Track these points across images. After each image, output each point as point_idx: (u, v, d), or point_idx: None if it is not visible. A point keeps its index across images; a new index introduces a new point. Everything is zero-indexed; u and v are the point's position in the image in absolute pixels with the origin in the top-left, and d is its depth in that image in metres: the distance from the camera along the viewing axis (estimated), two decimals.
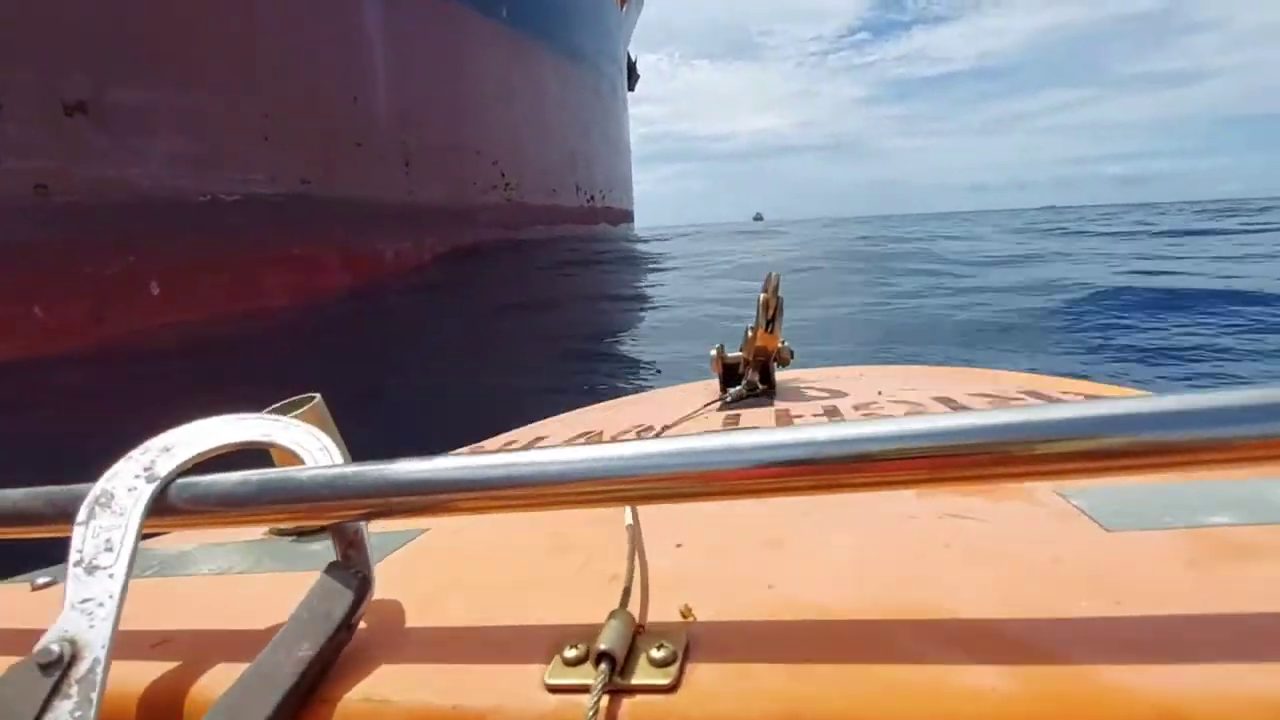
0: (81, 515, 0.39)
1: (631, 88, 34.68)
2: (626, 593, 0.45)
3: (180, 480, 0.42)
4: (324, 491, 0.41)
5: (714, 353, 1.34)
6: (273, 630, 0.40)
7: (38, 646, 0.34)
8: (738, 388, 1.31)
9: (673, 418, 1.15)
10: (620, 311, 11.79)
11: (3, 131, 6.57)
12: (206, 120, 8.57)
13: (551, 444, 0.51)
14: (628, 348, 9.43)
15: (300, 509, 0.42)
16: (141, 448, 0.44)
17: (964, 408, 1.05)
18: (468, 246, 14.35)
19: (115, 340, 7.33)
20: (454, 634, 0.44)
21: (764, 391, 1.32)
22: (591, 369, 7.65)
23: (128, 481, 0.41)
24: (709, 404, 1.27)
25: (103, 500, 0.39)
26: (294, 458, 0.46)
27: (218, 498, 0.41)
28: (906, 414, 0.95)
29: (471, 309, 10.80)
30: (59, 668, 0.32)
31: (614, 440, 0.49)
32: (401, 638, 0.45)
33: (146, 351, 7.25)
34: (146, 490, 0.40)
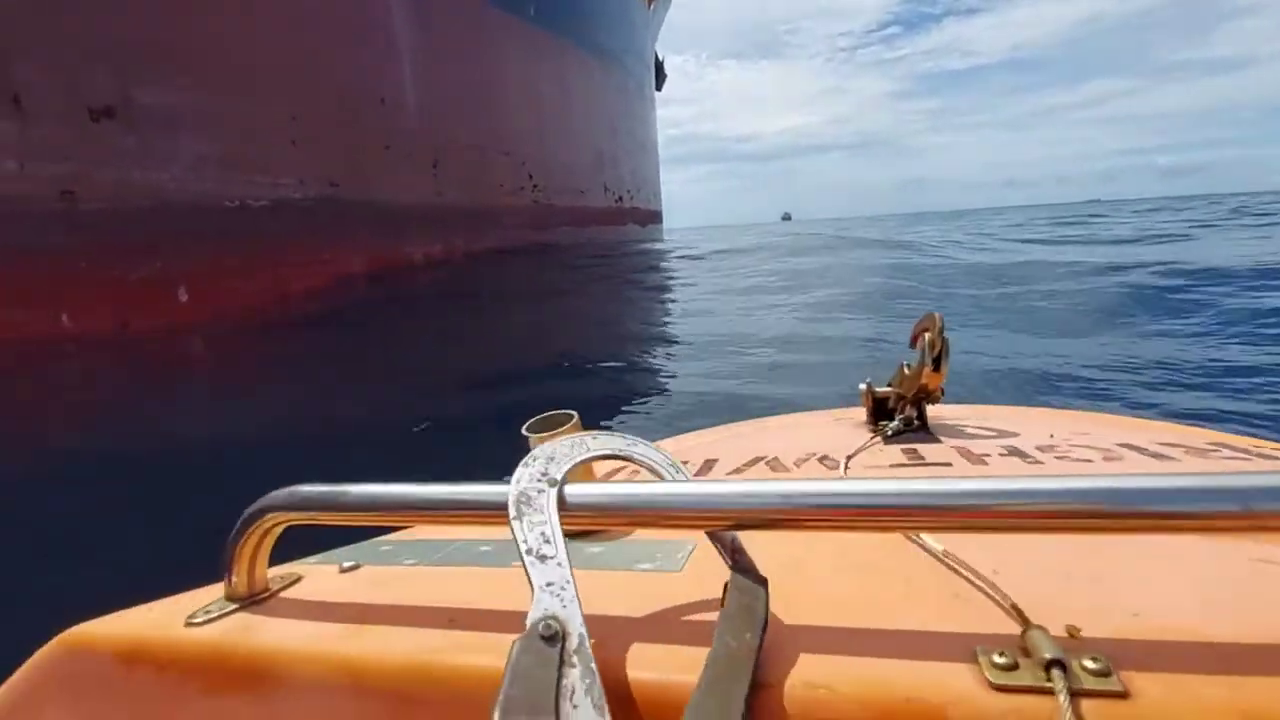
0: (513, 512, 0.45)
1: (659, 87, 34.32)
2: (1017, 610, 0.47)
3: (570, 485, 0.48)
4: (694, 503, 0.47)
5: (864, 387, 1.38)
6: (613, 617, 0.48)
7: (532, 620, 0.39)
8: (894, 423, 1.28)
9: (841, 447, 1.16)
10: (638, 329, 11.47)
11: (28, 135, 6.47)
12: (233, 123, 8.44)
13: (727, 465, 0.66)
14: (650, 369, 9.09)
15: (676, 516, 0.47)
16: (531, 455, 0.50)
17: (1166, 457, 0.98)
18: (494, 249, 14.13)
19: (142, 341, 7.22)
20: (854, 633, 0.47)
21: (919, 428, 1.29)
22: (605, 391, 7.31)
23: (534, 485, 0.47)
24: (873, 438, 1.26)
25: (524, 500, 0.46)
26: (652, 472, 0.56)
27: (606, 503, 0.47)
28: (1105, 460, 0.97)
29: (492, 310, 10.57)
30: (558, 641, 0.37)
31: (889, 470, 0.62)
32: (806, 633, 0.47)
33: (175, 355, 7.13)
34: (551, 493, 0.47)
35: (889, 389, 1.34)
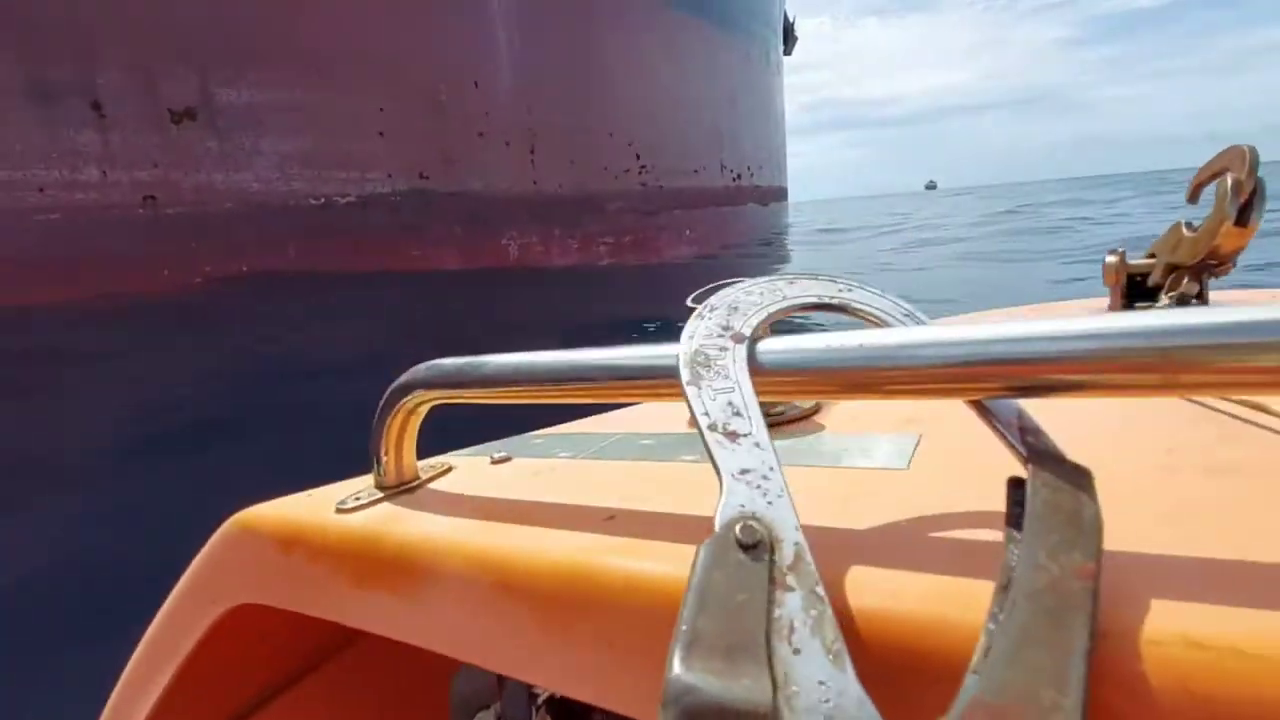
0: (686, 375, 0.34)
1: (788, 52, 31.69)
2: None
3: (763, 342, 0.36)
4: (957, 355, 0.30)
5: (1113, 259, 0.95)
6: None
7: (724, 521, 0.27)
8: (1161, 302, 0.85)
9: None
10: None
11: (108, 141, 6.41)
12: (318, 118, 8.14)
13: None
14: None
15: (926, 376, 0.31)
16: (706, 305, 0.39)
17: None
18: (593, 234, 13.28)
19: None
20: (1241, 567, 0.29)
21: None
22: None
23: (712, 341, 0.36)
24: None
25: (700, 361, 0.34)
26: (875, 321, 0.40)
27: (815, 360, 0.33)
28: None
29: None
30: (763, 553, 0.26)
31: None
32: (1157, 563, 0.30)
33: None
34: (738, 350, 0.35)
35: (1148, 259, 0.95)
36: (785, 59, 31.55)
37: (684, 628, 0.24)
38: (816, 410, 0.53)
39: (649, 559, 0.34)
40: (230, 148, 7.31)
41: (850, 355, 0.33)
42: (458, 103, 9.98)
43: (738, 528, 0.27)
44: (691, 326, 0.37)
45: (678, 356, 0.35)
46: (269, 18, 7.55)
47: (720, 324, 0.37)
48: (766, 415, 0.35)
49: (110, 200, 6.39)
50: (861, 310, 0.41)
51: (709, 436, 0.31)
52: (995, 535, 0.31)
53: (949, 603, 0.28)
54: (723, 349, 0.35)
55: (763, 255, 17.56)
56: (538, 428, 0.68)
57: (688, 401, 0.33)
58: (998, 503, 0.30)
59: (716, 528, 0.27)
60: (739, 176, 20.62)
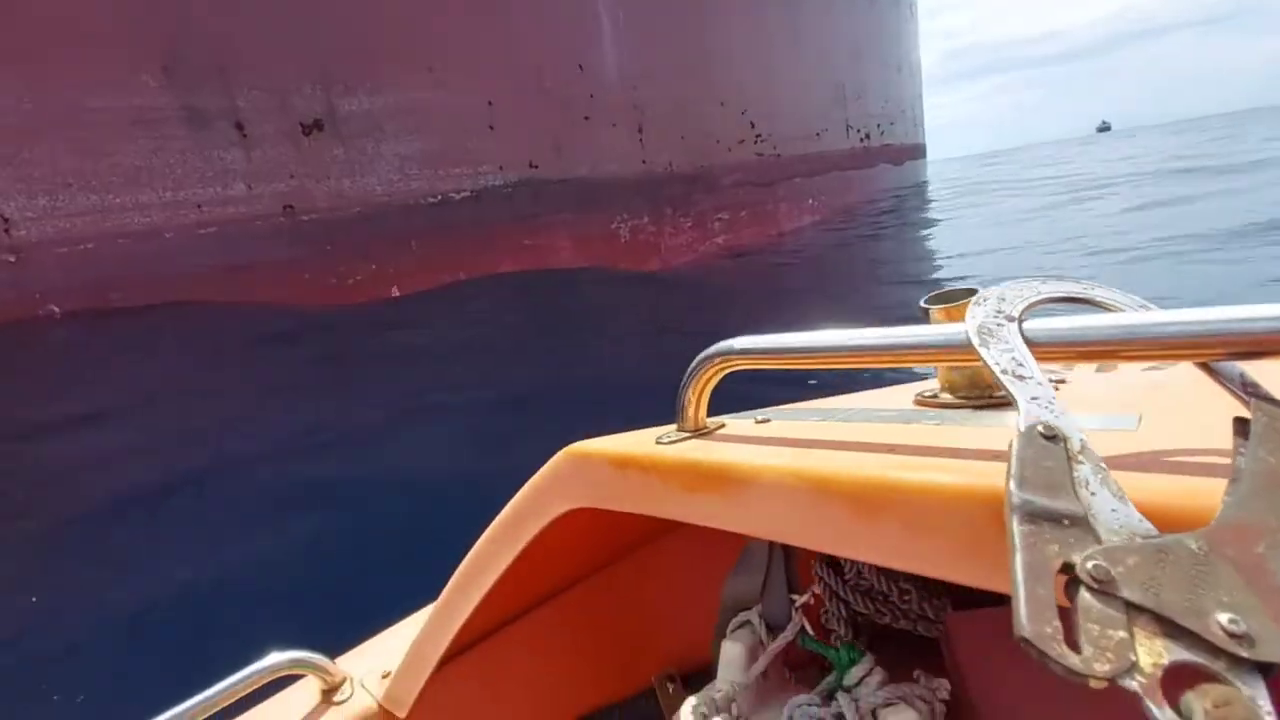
0: (976, 340, 0.43)
1: None
2: None
3: (1031, 321, 0.45)
4: (1191, 329, 0.39)
5: None
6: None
7: (1026, 425, 0.37)
8: None
9: None
10: None
11: (252, 158, 7.02)
12: (430, 119, 8.44)
13: None
14: None
15: (1160, 344, 0.40)
16: (980, 296, 0.47)
17: None
18: (709, 210, 12.79)
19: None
20: None
21: None
22: None
23: (991, 320, 0.45)
24: None
25: (985, 332, 0.43)
26: (1116, 309, 0.49)
27: (1078, 336, 0.43)
28: None
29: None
30: (1059, 441, 0.36)
31: None
32: None
33: None
34: (1012, 326, 0.44)
35: None
36: (918, 1, 28.76)
37: (1013, 476, 0.33)
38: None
39: (949, 473, 0.42)
40: (355, 154, 7.77)
41: (1105, 330, 0.41)
42: (562, 89, 9.95)
43: (1039, 426, 0.36)
44: (972, 311, 0.45)
45: (964, 331, 0.44)
46: (378, 26, 7.89)
47: (994, 309, 0.45)
48: (989, 397, 0.53)
49: (255, 212, 7.03)
50: (1104, 302, 0.50)
51: (1003, 378, 0.40)
52: (1224, 461, 0.37)
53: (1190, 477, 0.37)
54: (999, 325, 0.44)
55: (880, 227, 16.01)
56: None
57: (982, 357, 0.42)
58: (1223, 455, 0.37)
59: (1022, 428, 0.36)
60: (867, 136, 19.03)
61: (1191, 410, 0.48)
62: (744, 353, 0.59)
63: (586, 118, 10.41)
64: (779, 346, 0.57)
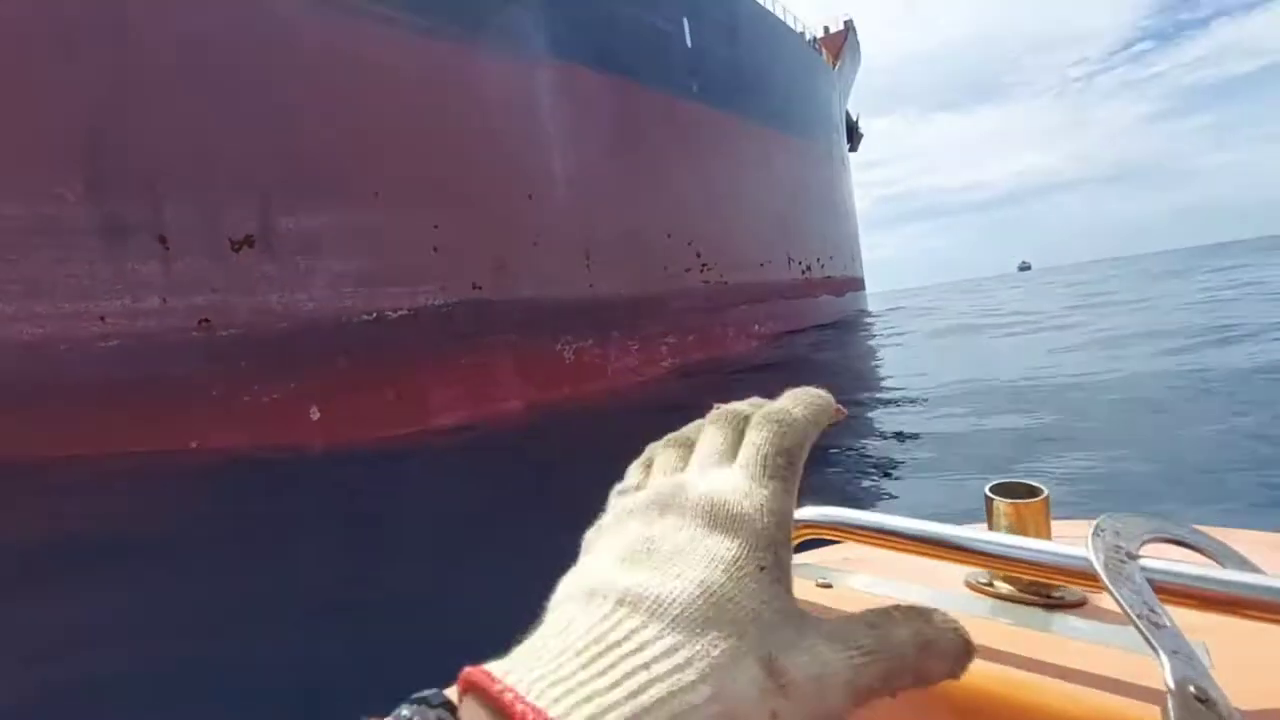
0: (1107, 578, 0.43)
1: (854, 147, 32.07)
2: None
3: (1149, 561, 0.45)
4: None
5: None
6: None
7: (1177, 681, 0.36)
8: None
9: None
10: None
11: (169, 270, 6.72)
12: (373, 237, 8.40)
13: None
14: None
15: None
16: (1098, 526, 0.47)
17: None
18: (657, 334, 12.91)
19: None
20: None
21: None
22: None
23: (1114, 555, 0.45)
24: None
25: (1111, 565, 0.43)
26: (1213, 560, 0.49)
27: (1200, 586, 0.42)
28: None
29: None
30: (1213, 705, 0.35)
31: None
32: None
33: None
34: (1134, 565, 0.44)
35: None
36: (852, 155, 31.88)
37: None
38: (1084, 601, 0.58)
39: (1067, 701, 0.42)
40: (286, 270, 7.56)
41: (1233, 584, 0.41)
42: (511, 215, 10.19)
43: (1190, 687, 0.35)
44: (1094, 542, 0.45)
45: (1087, 559, 0.44)
46: (325, 148, 8.01)
47: (1113, 543, 0.45)
48: (1049, 596, 0.52)
49: (167, 325, 6.61)
50: (1205, 549, 0.50)
51: (1139, 623, 0.40)
52: None
53: None
54: (1122, 561, 0.44)
55: (827, 339, 16.50)
56: None
57: (1114, 596, 0.42)
58: None
59: (1171, 686, 0.36)
60: (809, 268, 20.12)
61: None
62: (828, 524, 0.55)
63: (535, 243, 10.61)
64: (870, 524, 0.54)
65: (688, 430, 0.39)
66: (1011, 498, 0.55)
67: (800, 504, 0.45)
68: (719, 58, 15.67)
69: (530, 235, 10.50)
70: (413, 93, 8.96)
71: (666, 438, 0.39)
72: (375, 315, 8.39)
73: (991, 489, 0.55)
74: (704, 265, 14.71)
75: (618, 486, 0.37)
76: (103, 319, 6.27)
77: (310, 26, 7.93)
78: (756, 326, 16.57)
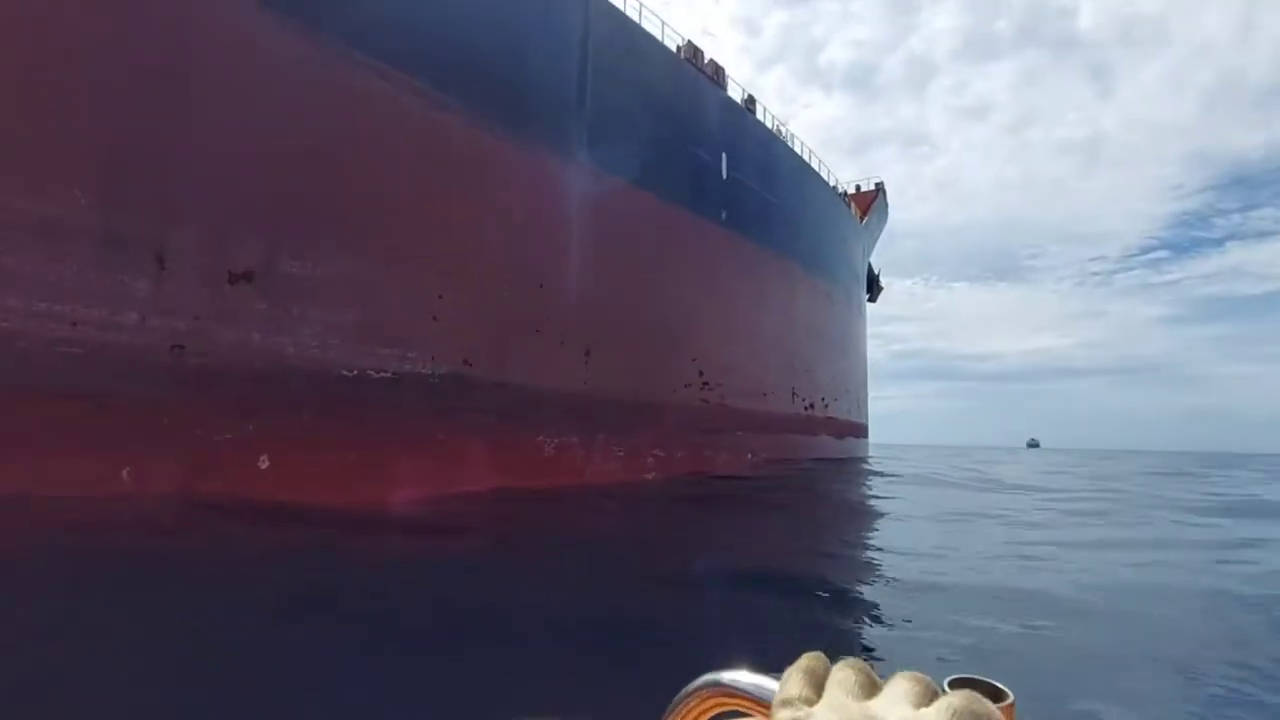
0: None
1: (873, 298, 32.93)
2: None
3: None
4: None
5: None
6: None
7: None
8: None
9: None
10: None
11: (158, 291, 6.61)
12: (376, 295, 8.36)
13: None
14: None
15: None
16: None
17: None
18: (646, 444, 12.49)
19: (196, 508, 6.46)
20: None
21: None
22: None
23: None
24: None
25: None
26: None
27: None
28: None
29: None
30: None
31: None
32: None
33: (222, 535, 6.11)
34: None
35: None
36: (871, 305, 32.67)
37: None
38: None
39: None
40: (277, 311, 7.44)
41: None
42: (517, 299, 10.20)
43: None
44: None
45: None
46: (351, 202, 8.15)
47: None
48: None
49: (136, 343, 6.40)
50: None
51: None
52: None
53: None
54: None
55: (817, 471, 15.86)
56: None
57: None
58: None
59: None
60: (810, 406, 19.89)
61: None
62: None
63: (538, 330, 10.54)
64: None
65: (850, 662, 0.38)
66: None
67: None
68: (751, 193, 16.41)
69: (533, 322, 10.46)
70: (448, 170, 9.27)
71: (829, 655, 0.39)
72: (356, 373, 8.16)
73: (950, 683, 0.45)
74: (705, 384, 14.55)
75: (779, 695, 0.35)
76: (73, 324, 6.08)
77: (370, 99, 8.35)
78: (749, 455, 16.11)
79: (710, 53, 15.78)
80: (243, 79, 7.27)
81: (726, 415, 15.18)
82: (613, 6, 12.61)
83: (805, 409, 19.57)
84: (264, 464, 7.23)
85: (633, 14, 13.19)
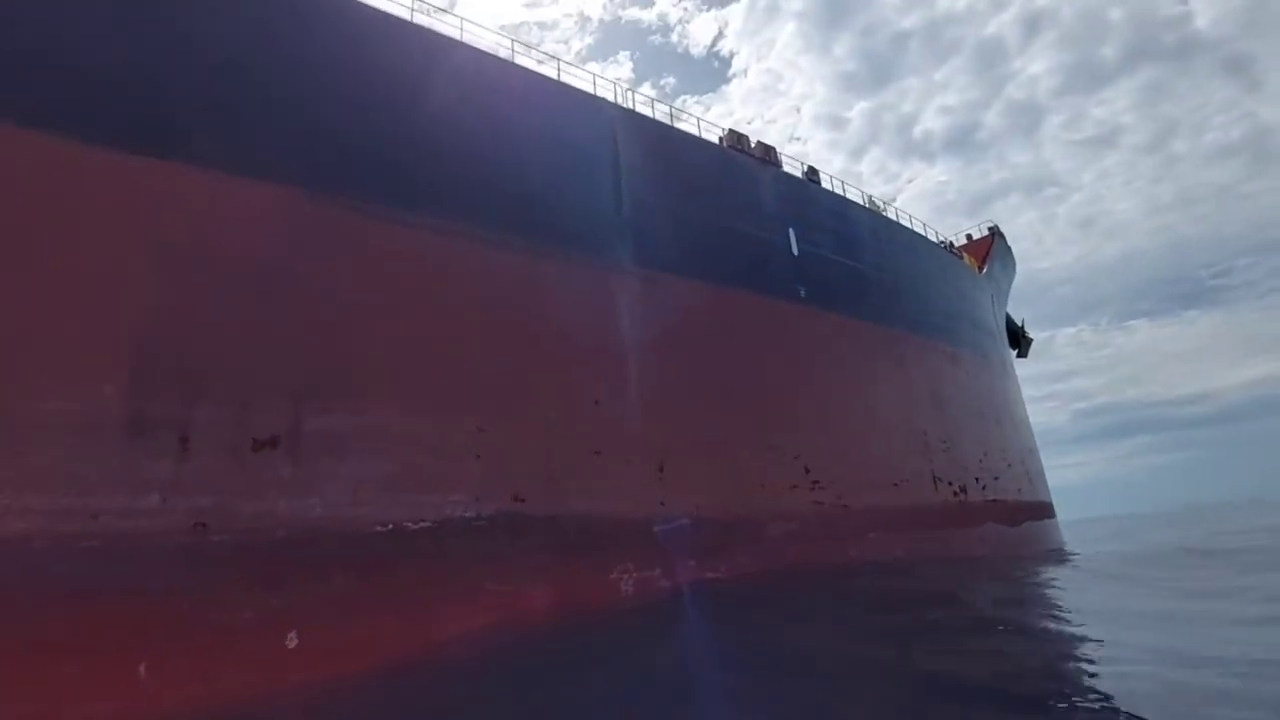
0: None
1: (1022, 354, 28.87)
2: None
3: None
4: None
5: None
6: None
7: None
8: None
9: None
10: None
11: (180, 470, 6.55)
12: (407, 443, 7.95)
13: None
14: None
15: None
16: None
17: None
18: (755, 573, 10.68)
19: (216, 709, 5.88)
20: None
21: None
22: None
23: None
24: None
25: None
26: None
27: None
28: None
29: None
30: None
31: None
32: None
33: None
34: None
35: None
36: (1022, 361, 28.61)
37: None
38: None
39: None
40: (304, 473, 7.17)
41: None
42: (569, 422, 9.42)
43: None
44: None
45: None
46: (373, 346, 8.00)
47: None
48: None
49: (157, 527, 6.27)
50: None
51: None
52: None
53: None
54: None
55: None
56: None
57: None
58: None
59: None
60: (962, 489, 16.75)
61: None
62: None
63: (597, 452, 9.61)
64: None
65: None
66: None
67: None
68: (831, 264, 15.03)
69: (591, 443, 9.56)
70: (475, 297, 9.05)
71: None
72: (391, 526, 7.59)
73: None
74: (815, 483, 12.59)
75: None
76: (94, 517, 6.07)
77: (382, 237, 8.48)
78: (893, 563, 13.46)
79: (802, 156, 15.37)
80: (269, 252, 7.57)
81: (849, 517, 12.93)
82: (634, 113, 12.63)
83: (955, 494, 16.48)
84: (291, 642, 6.63)
85: (664, 118, 13.12)
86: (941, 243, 21.17)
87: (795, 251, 14.16)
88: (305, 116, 8.33)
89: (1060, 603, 10.31)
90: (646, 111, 12.97)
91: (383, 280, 8.35)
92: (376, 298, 8.22)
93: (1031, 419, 24.67)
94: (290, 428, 7.25)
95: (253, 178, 7.70)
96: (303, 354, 7.51)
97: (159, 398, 6.59)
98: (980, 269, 23.08)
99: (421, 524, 7.81)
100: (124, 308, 6.63)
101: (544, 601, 8.34)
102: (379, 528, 7.52)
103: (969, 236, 25.45)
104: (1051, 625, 8.59)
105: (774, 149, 15.20)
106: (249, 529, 6.74)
